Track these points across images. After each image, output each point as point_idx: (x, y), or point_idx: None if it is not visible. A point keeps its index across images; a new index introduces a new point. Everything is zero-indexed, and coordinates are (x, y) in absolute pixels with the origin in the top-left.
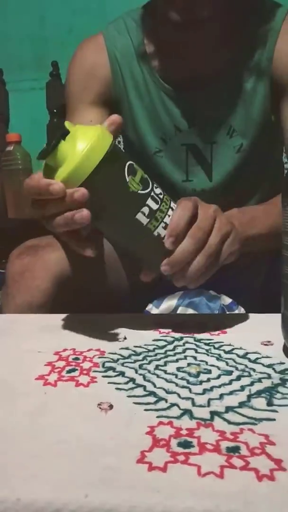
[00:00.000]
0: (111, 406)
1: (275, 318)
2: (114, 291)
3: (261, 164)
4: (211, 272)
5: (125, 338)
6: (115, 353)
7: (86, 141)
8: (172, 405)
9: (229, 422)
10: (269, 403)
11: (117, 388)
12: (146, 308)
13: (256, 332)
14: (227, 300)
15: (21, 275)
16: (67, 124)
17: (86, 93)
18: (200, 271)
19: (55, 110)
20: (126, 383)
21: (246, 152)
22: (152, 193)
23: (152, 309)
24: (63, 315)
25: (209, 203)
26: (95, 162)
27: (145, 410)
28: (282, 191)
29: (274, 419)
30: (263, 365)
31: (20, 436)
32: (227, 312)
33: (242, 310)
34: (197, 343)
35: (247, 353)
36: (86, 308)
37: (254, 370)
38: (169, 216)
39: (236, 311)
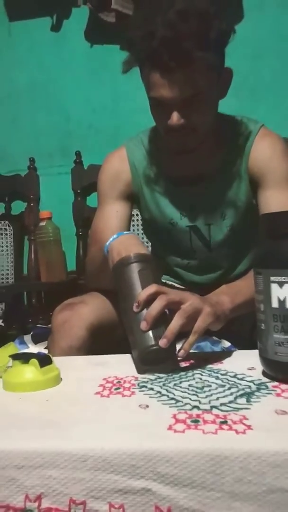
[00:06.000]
0: (147, 406)
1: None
2: None
3: (248, 234)
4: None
5: None
6: (146, 377)
7: None
8: (186, 403)
9: (222, 410)
10: (248, 400)
11: (150, 397)
12: None
13: (244, 361)
14: (226, 343)
15: (63, 326)
16: None
17: (113, 191)
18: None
19: (78, 191)
20: (156, 393)
21: (235, 228)
22: None
23: None
24: (106, 356)
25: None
26: None
27: (169, 407)
28: (253, 263)
29: (249, 408)
30: (246, 381)
31: (94, 422)
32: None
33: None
34: (202, 370)
35: (236, 375)
36: (114, 348)
37: (240, 384)
38: None
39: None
